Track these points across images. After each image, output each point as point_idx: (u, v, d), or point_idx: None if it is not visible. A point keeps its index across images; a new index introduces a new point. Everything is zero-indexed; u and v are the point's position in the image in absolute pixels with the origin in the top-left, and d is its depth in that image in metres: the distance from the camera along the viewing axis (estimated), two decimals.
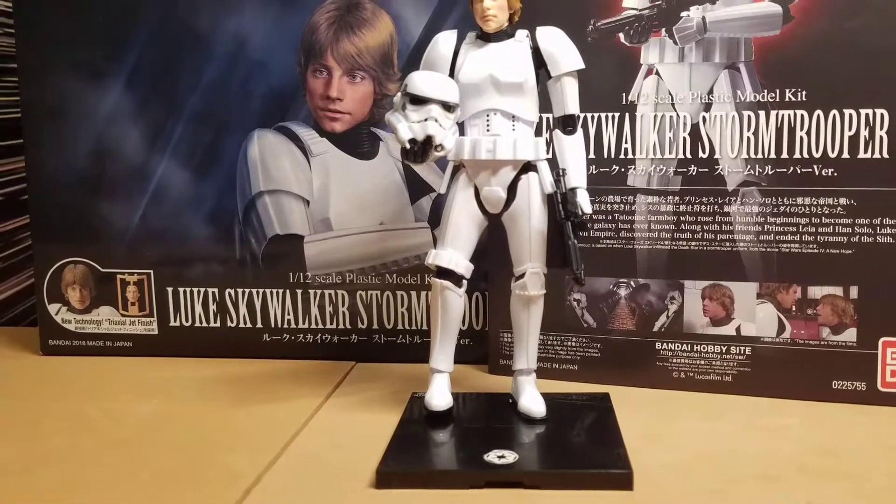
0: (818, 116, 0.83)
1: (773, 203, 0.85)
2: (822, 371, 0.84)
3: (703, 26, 0.85)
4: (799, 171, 0.84)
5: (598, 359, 0.92)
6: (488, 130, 0.76)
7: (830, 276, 0.84)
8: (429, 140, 0.73)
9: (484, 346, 0.97)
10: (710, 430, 0.78)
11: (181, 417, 0.83)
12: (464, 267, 0.77)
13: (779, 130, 0.84)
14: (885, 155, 0.81)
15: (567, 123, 0.77)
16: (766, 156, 0.84)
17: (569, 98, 0.77)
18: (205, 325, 1.05)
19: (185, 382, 0.95)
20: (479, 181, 0.77)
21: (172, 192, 1.03)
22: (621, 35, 0.88)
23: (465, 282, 0.78)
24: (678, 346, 0.89)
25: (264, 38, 0.99)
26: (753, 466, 0.69)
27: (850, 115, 0.82)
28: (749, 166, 0.85)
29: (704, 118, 0.86)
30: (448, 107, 0.74)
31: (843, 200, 0.83)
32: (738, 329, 0.87)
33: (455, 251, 0.77)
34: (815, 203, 0.84)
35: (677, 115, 0.87)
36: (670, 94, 0.87)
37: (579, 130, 0.78)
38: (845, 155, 0.82)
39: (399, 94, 0.75)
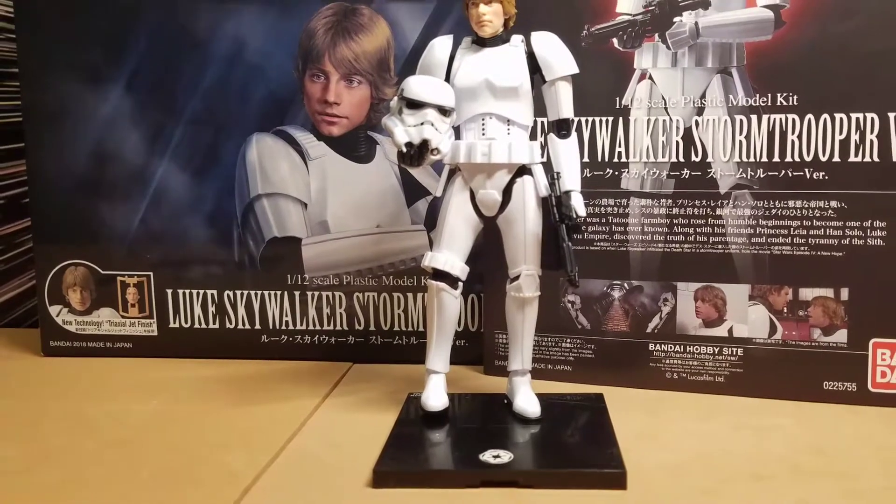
0: (809, 120, 0.83)
1: (765, 206, 0.85)
2: (813, 372, 0.85)
3: (695, 31, 0.85)
4: (790, 175, 0.84)
5: (592, 360, 0.92)
6: (484, 134, 0.76)
7: (821, 278, 0.84)
8: (425, 144, 0.73)
9: (479, 347, 0.97)
10: (703, 430, 0.78)
11: (180, 417, 0.84)
12: (459, 269, 0.77)
13: (770, 134, 0.84)
14: (876, 158, 0.81)
15: (561, 127, 0.78)
16: (757, 159, 0.85)
17: (563, 102, 0.77)
18: (204, 326, 1.05)
19: (184, 383, 0.95)
20: (475, 184, 0.77)
21: (172, 195, 1.03)
22: (615, 40, 0.88)
23: (460, 284, 0.78)
24: (671, 348, 0.89)
25: (263, 42, 0.99)
26: (745, 466, 0.70)
27: (841, 119, 0.82)
28: (741, 170, 0.85)
29: (697, 122, 0.86)
30: (444, 111, 0.74)
31: (833, 203, 0.83)
32: (730, 330, 0.87)
33: (451, 253, 0.77)
34: (806, 206, 0.84)
35: (670, 119, 0.87)
36: (663, 98, 0.87)
37: (573, 134, 0.78)
38: (836, 158, 0.83)
39: (396, 98, 0.75)
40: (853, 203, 0.83)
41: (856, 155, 0.82)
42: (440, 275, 0.77)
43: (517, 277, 0.77)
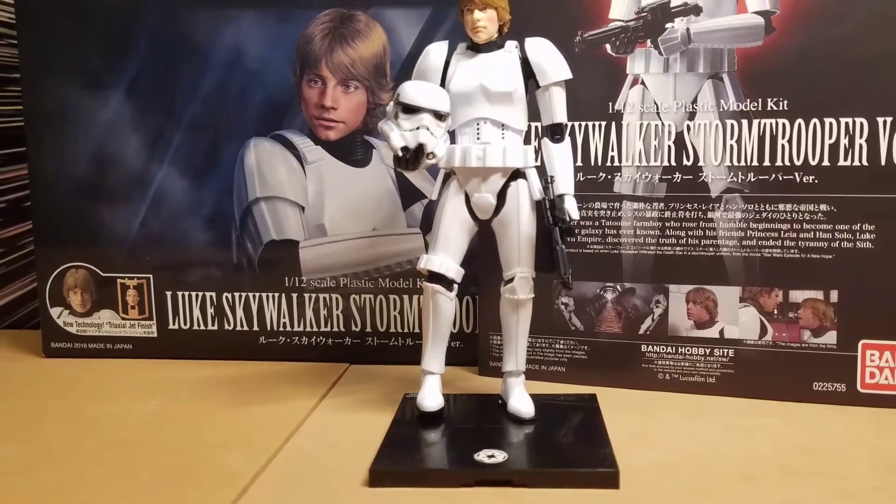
0: (799, 125, 0.83)
1: (756, 209, 0.85)
2: (803, 373, 0.85)
3: (687, 37, 0.86)
4: (780, 179, 0.84)
5: (586, 361, 0.92)
6: (478, 139, 0.77)
7: (811, 281, 0.85)
8: (420, 148, 0.73)
9: (474, 348, 0.98)
10: (694, 430, 0.78)
11: (180, 418, 0.84)
12: (454, 271, 0.78)
13: (761, 139, 0.84)
14: (865, 162, 0.82)
15: (555, 132, 0.78)
16: (748, 163, 0.85)
17: (557, 107, 0.78)
18: (203, 328, 1.06)
19: (183, 384, 0.95)
20: (470, 188, 0.77)
21: (171, 199, 1.03)
22: (608, 46, 0.88)
23: (455, 286, 0.79)
24: (663, 349, 0.90)
25: (261, 48, 1.00)
26: (736, 466, 0.70)
27: (831, 124, 0.82)
28: (732, 173, 0.86)
29: (689, 127, 0.87)
30: (439, 116, 0.75)
31: (823, 207, 0.84)
32: (721, 332, 0.88)
33: (446, 256, 0.77)
34: (796, 209, 0.84)
35: (662, 123, 0.87)
36: (655, 103, 0.87)
37: (567, 139, 0.78)
38: (826, 162, 0.83)
39: (392, 103, 0.76)
40: (842, 206, 0.83)
41: (845, 159, 0.82)
42: (436, 277, 0.78)
43: (511, 280, 0.78)
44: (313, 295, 1.03)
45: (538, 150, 0.80)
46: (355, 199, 1.01)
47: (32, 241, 1.11)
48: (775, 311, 0.86)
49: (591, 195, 0.90)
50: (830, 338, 0.85)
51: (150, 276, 1.06)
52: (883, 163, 0.82)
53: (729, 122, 0.85)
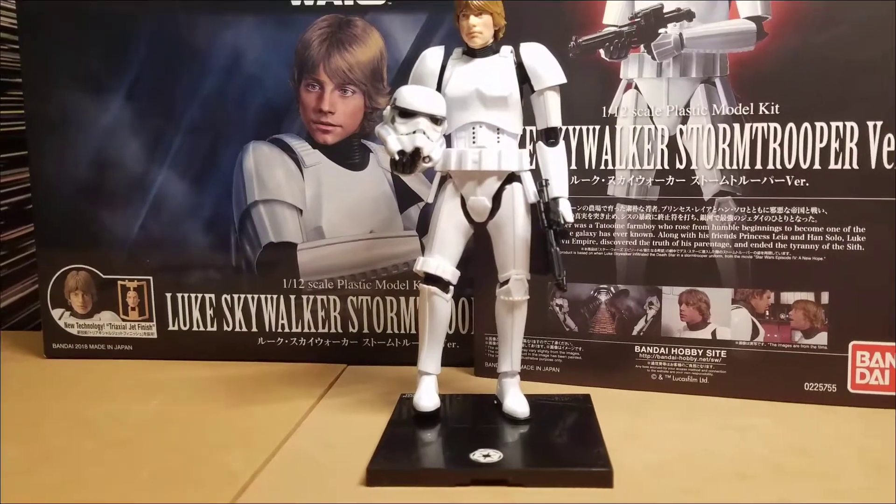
0: (791, 129, 0.84)
1: (748, 212, 0.86)
2: (794, 373, 0.85)
3: (680, 42, 0.86)
4: (772, 182, 0.85)
5: (580, 361, 0.92)
6: (474, 142, 0.77)
7: (802, 283, 0.85)
8: (417, 152, 0.74)
9: (470, 349, 0.98)
10: (687, 430, 0.79)
11: (179, 418, 0.84)
12: (450, 273, 0.78)
13: (753, 142, 0.85)
14: (855, 166, 0.82)
15: (550, 136, 0.78)
16: (740, 167, 0.86)
17: (551, 111, 0.78)
18: (202, 329, 1.06)
19: (183, 384, 0.96)
20: (466, 191, 0.78)
21: (171, 202, 1.04)
22: (602, 51, 0.89)
23: (451, 288, 0.79)
24: (656, 350, 0.90)
25: (260, 53, 1.00)
26: (728, 465, 0.70)
27: (822, 128, 0.83)
28: (724, 177, 0.86)
29: (681, 131, 0.87)
30: (435, 120, 0.75)
31: (814, 209, 0.84)
32: (713, 333, 0.88)
33: (442, 258, 0.78)
34: (787, 212, 0.85)
35: (655, 127, 0.88)
36: (649, 107, 0.88)
37: (561, 142, 0.79)
38: (817, 166, 0.83)
39: (388, 107, 0.76)
40: (833, 209, 0.83)
41: (836, 163, 0.83)
42: (432, 279, 0.78)
43: (507, 281, 0.78)
44: (311, 297, 1.04)
45: (533, 154, 0.80)
46: (352, 202, 1.02)
47: (34, 244, 1.11)
48: (767, 313, 0.87)
49: (585, 198, 0.90)
50: (821, 339, 0.85)
51: (151, 278, 1.06)
52: (873, 166, 0.82)
53: (721, 126, 0.86)
